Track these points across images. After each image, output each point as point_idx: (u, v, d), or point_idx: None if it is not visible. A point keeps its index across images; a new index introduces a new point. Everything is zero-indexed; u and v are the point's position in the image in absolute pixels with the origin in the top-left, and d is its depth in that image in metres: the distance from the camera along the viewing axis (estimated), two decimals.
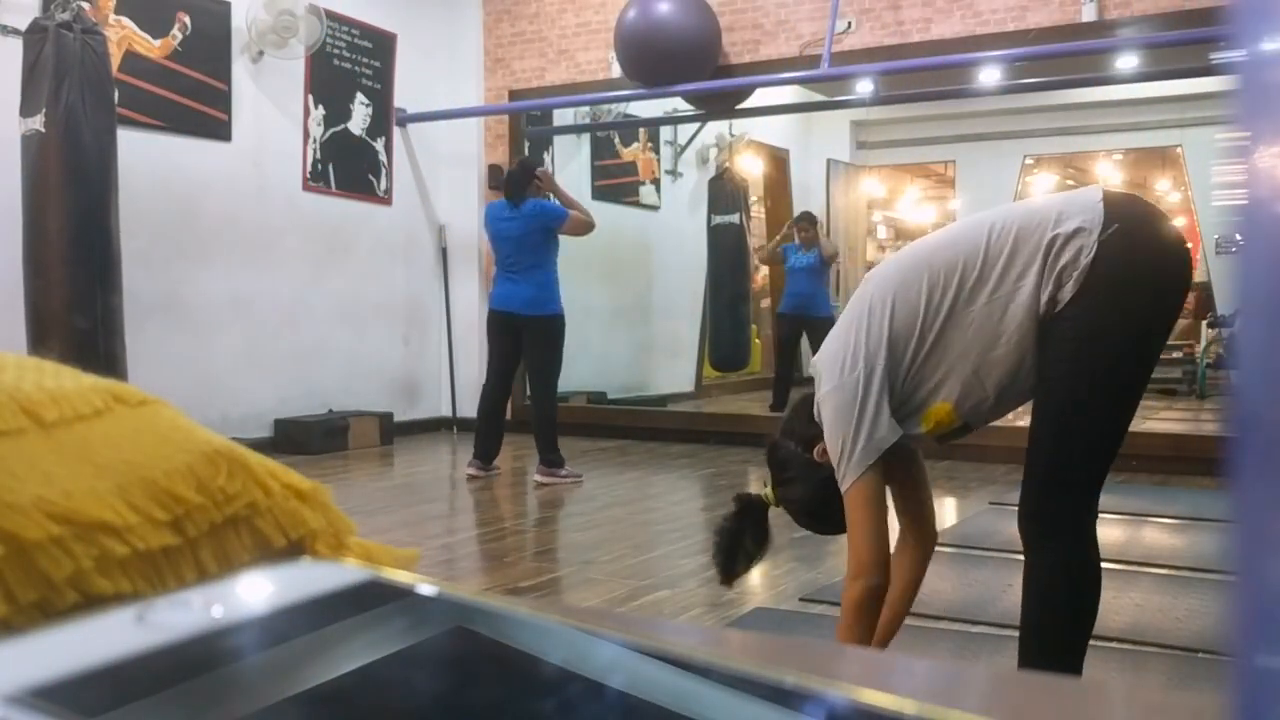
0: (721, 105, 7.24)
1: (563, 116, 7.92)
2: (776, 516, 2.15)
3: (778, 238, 8.41)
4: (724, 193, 9.11)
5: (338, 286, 6.60)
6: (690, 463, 5.96)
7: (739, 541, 2.08)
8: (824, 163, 10.78)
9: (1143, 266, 1.80)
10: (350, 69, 6.70)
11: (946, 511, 4.77)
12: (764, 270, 10.73)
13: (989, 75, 6.31)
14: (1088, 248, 1.78)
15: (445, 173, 7.39)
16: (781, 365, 8.15)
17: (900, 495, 2.13)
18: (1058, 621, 1.88)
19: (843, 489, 1.90)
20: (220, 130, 5.90)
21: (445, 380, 7.40)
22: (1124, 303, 1.79)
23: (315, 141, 6.47)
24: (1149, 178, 15.08)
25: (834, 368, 1.92)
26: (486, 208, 5.48)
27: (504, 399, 5.34)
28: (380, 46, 6.89)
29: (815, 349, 7.77)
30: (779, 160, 10.60)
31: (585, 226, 5.18)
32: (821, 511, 2.06)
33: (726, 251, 9.03)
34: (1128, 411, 1.86)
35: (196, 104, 5.76)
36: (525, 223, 5.08)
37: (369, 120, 6.84)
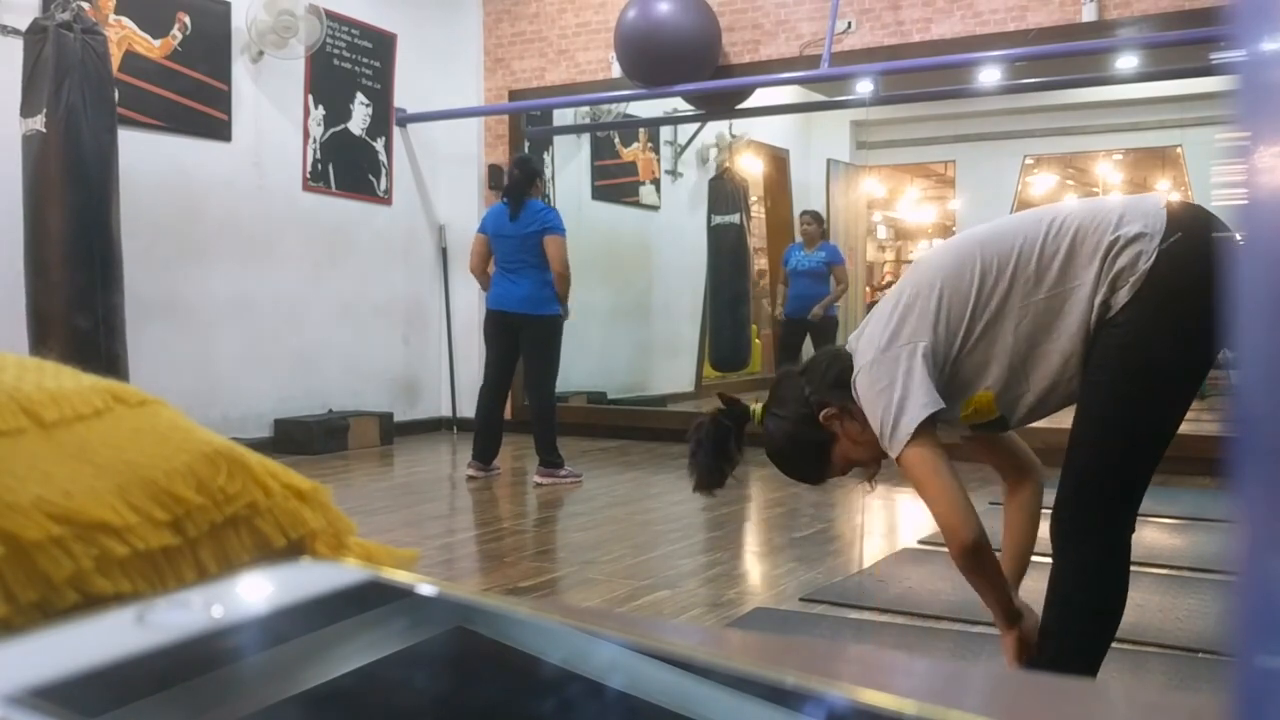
0: (721, 105, 7.23)
1: (563, 116, 7.91)
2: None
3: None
4: (724, 193, 9.11)
5: (338, 286, 6.60)
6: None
7: (724, 445, 2.03)
8: (824, 163, 10.78)
9: (1201, 278, 1.73)
10: (350, 69, 6.70)
11: None
12: (764, 269, 10.72)
13: (989, 75, 6.30)
14: (1147, 254, 1.75)
15: (445, 173, 7.39)
16: (784, 366, 8.12)
17: (989, 455, 2.12)
18: (1077, 628, 1.86)
19: (894, 457, 1.87)
20: (220, 130, 5.90)
21: (445, 380, 7.40)
22: (1177, 312, 1.76)
23: (315, 141, 6.47)
24: (1149, 178, 15.07)
25: (872, 345, 1.90)
26: (488, 210, 5.45)
27: (503, 399, 5.33)
28: (380, 46, 6.89)
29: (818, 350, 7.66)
30: (779, 160, 10.60)
31: (563, 281, 5.08)
32: (788, 453, 2.05)
33: (726, 251, 9.03)
34: (1170, 423, 1.84)
35: (196, 104, 5.76)
36: (524, 224, 5.07)
37: (369, 120, 6.84)
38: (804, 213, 8.26)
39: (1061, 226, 1.83)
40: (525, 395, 5.68)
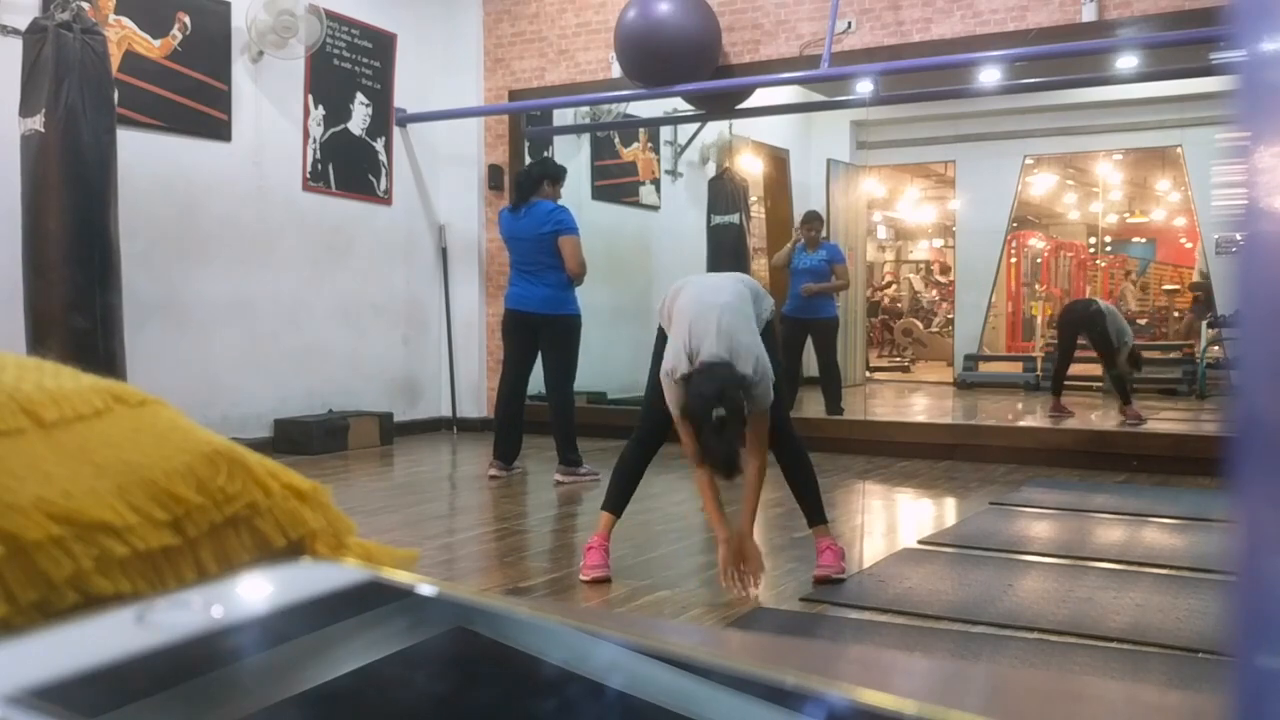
0: (721, 105, 7.23)
1: (563, 116, 7.91)
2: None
3: (789, 246, 8.29)
4: (724, 193, 9.10)
5: (338, 286, 6.60)
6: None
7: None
8: (824, 163, 10.78)
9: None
10: (350, 69, 6.70)
11: (947, 511, 4.76)
12: (764, 269, 10.71)
13: (989, 75, 6.30)
14: None
15: (445, 173, 7.39)
16: (787, 366, 8.09)
17: None
18: None
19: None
20: (220, 130, 5.90)
21: (445, 380, 7.40)
22: None
23: (315, 141, 6.47)
24: (1149, 178, 15.09)
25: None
26: (500, 213, 5.46)
27: (522, 399, 5.33)
28: (380, 46, 6.89)
29: (820, 350, 8.03)
30: (779, 160, 10.59)
31: (578, 267, 5.14)
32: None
33: (726, 251, 9.01)
34: None
35: (196, 104, 5.76)
36: (536, 225, 5.08)
37: (369, 120, 6.84)
38: (808, 213, 8.25)
39: None
40: (532, 394, 5.68)
